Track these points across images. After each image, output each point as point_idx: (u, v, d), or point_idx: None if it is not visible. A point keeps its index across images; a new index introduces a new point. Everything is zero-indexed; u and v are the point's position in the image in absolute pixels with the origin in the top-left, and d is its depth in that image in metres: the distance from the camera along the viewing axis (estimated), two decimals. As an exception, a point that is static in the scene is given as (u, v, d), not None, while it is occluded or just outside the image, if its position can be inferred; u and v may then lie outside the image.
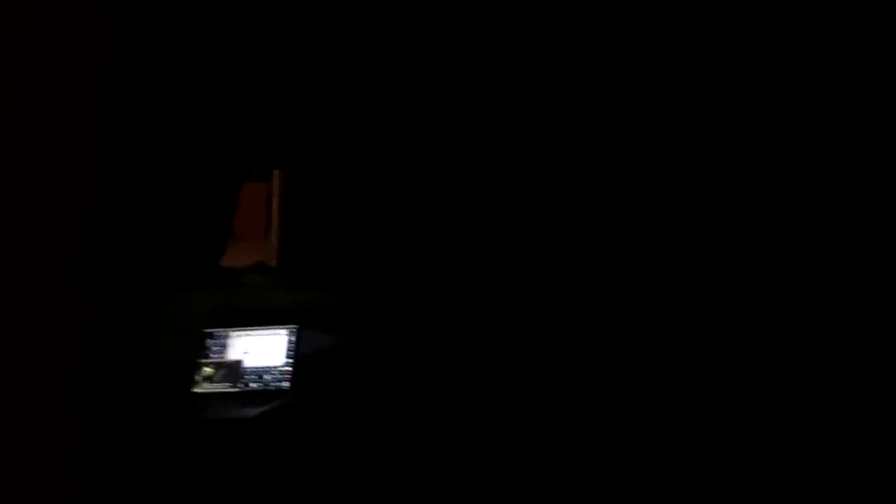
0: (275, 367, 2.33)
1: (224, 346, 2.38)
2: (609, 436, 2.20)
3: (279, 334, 2.37)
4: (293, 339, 2.36)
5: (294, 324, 2.39)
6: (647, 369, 2.26)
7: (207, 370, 2.35)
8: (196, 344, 2.39)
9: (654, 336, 2.28)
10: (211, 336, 2.40)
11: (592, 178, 2.46)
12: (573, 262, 2.44)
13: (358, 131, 2.59)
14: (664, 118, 2.43)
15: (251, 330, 2.39)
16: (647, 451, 2.16)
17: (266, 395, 2.30)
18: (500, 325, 2.39)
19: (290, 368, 2.32)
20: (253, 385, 2.32)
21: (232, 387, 2.33)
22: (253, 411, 2.23)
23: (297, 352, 2.35)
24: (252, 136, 2.64)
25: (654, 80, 2.44)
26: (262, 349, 2.37)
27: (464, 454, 2.23)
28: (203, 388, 2.34)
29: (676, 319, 2.30)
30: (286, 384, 2.31)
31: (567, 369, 2.31)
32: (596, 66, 2.47)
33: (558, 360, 2.33)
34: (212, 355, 2.37)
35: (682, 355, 2.25)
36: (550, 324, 2.38)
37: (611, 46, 2.46)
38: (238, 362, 2.35)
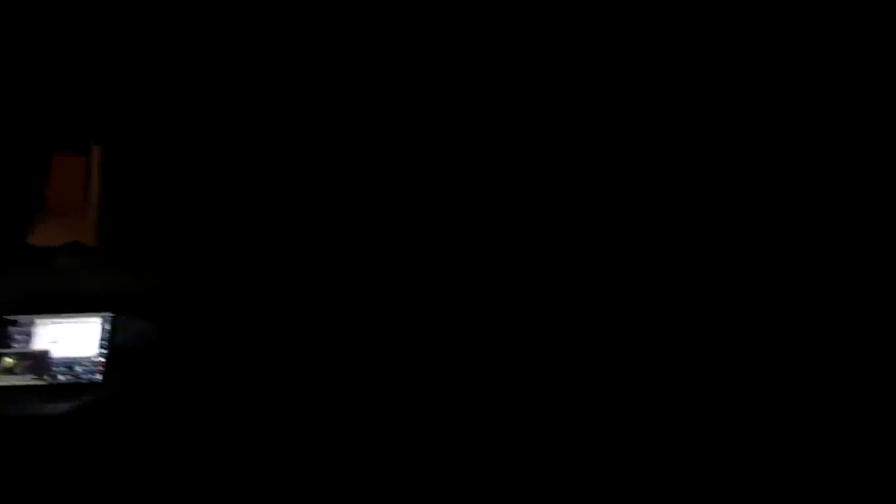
0: (86, 358, 2.15)
1: (28, 335, 2.17)
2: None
3: (91, 322, 2.19)
4: (107, 327, 2.18)
5: (109, 310, 2.20)
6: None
7: (8, 360, 2.14)
8: (-5, 332, 2.18)
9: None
10: (13, 323, 2.18)
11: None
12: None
13: (183, 102, 2.41)
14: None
15: (60, 317, 2.19)
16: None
17: (76, 388, 2.11)
18: (335, 305, 2.31)
19: (102, 359, 2.15)
20: (61, 378, 2.13)
21: (37, 379, 2.13)
22: (60, 407, 2.05)
23: (111, 341, 2.17)
24: (67, 106, 2.41)
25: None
26: (72, 338, 2.17)
27: (289, 446, 2.15)
28: (2, 380, 2.12)
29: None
30: (98, 376, 2.13)
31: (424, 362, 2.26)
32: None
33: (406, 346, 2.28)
34: (14, 345, 2.16)
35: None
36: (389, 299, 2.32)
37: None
38: (44, 352, 2.15)
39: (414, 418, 2.18)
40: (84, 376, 2.13)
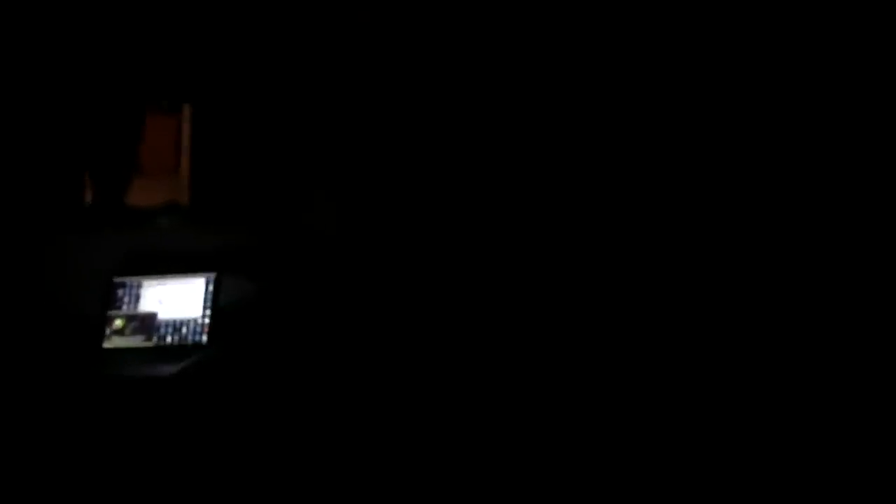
0: (192, 319, 2.17)
1: (136, 297, 2.20)
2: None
3: (195, 283, 2.20)
4: (211, 287, 2.19)
5: (211, 270, 2.21)
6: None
7: (118, 323, 2.18)
8: (105, 293, 2.21)
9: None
10: (122, 285, 2.21)
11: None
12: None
13: (273, 61, 2.36)
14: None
15: (165, 278, 2.21)
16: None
17: (183, 349, 2.14)
18: (433, 271, 2.27)
19: (207, 320, 2.17)
20: (168, 339, 2.16)
21: (146, 340, 2.17)
22: (169, 368, 2.07)
23: (215, 302, 2.18)
24: (157, 66, 2.39)
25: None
26: (177, 299, 2.19)
27: (386, 407, 2.15)
28: (114, 342, 2.17)
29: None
30: (204, 338, 2.16)
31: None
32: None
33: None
34: (122, 307, 2.20)
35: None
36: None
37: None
38: (152, 314, 2.18)
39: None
40: (190, 337, 2.16)
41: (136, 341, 2.16)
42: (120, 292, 2.20)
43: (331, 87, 2.37)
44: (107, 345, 2.16)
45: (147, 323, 2.17)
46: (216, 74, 2.38)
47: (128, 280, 2.21)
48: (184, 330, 2.16)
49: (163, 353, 2.13)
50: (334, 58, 2.38)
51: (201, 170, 2.40)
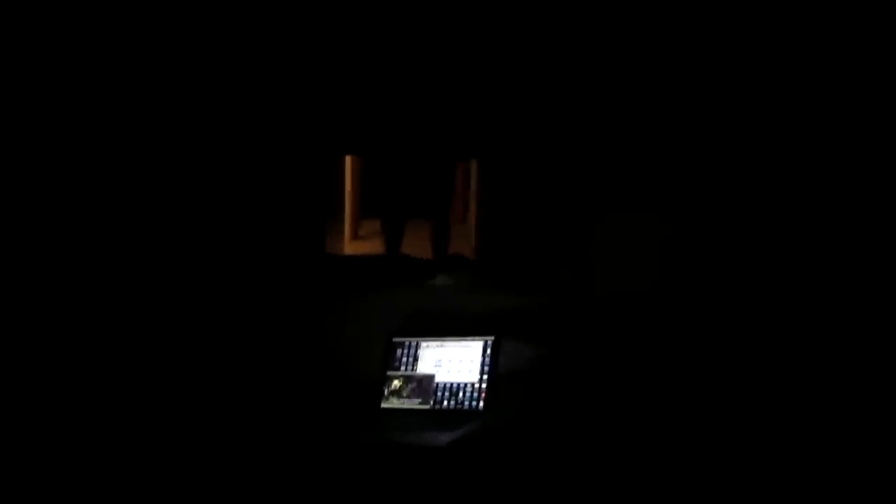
0: (469, 384, 2.04)
1: (414, 358, 2.13)
2: None
3: (473, 346, 2.08)
4: (489, 351, 2.06)
5: (489, 333, 2.08)
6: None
7: (396, 383, 2.12)
8: (383, 352, 2.16)
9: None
10: (401, 345, 2.15)
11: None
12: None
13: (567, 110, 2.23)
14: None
15: (444, 340, 2.12)
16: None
17: (460, 415, 2.01)
18: (732, 342, 1.96)
19: (484, 386, 2.03)
20: (446, 403, 2.05)
21: (422, 403, 2.08)
22: (446, 437, 1.96)
23: (493, 367, 2.04)
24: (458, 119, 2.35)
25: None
26: (455, 362, 2.09)
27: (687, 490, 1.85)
28: (391, 403, 2.11)
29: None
30: (480, 404, 2.02)
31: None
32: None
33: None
34: (400, 367, 2.13)
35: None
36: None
37: None
38: (430, 377, 2.10)
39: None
40: (467, 403, 2.03)
41: (413, 403, 2.09)
42: (399, 352, 2.15)
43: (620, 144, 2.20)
44: (385, 405, 2.10)
45: (424, 385, 2.09)
46: (511, 129, 2.29)
47: (407, 340, 2.15)
48: (461, 395, 2.04)
49: (439, 417, 2.03)
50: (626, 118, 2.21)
51: (488, 225, 2.33)
